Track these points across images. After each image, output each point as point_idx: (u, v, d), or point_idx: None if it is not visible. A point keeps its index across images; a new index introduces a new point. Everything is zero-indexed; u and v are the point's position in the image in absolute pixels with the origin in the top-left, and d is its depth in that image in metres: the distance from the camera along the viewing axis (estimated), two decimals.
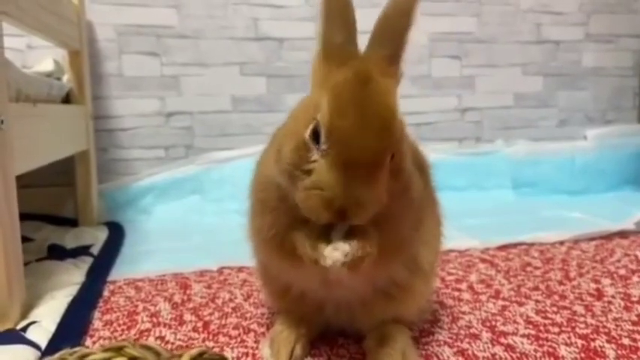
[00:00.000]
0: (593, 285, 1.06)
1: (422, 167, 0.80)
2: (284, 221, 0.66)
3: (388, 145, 0.60)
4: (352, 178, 0.57)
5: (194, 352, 0.47)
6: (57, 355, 0.50)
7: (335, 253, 0.59)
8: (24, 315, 0.90)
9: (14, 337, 0.80)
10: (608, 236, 1.43)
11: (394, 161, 0.62)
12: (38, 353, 0.77)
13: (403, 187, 0.65)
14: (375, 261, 0.62)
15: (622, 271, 1.14)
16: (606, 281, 1.08)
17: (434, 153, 1.85)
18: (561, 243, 1.38)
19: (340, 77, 0.61)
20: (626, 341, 0.80)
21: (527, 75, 2.11)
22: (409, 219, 0.68)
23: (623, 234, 1.44)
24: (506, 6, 2.05)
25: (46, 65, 1.42)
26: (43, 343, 0.80)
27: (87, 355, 0.49)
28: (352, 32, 0.65)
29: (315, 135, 0.60)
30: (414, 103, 1.99)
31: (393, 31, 0.65)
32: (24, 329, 0.84)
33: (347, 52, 0.64)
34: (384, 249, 0.64)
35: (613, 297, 0.99)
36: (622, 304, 0.95)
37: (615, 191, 2.06)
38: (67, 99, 1.52)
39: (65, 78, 1.52)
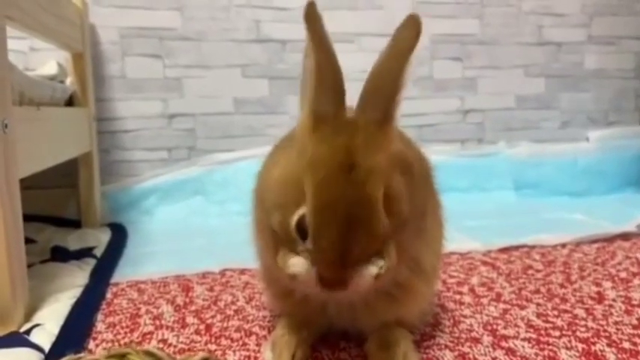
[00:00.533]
0: (594, 288, 1.06)
1: (424, 170, 0.80)
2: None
3: (373, 243, 0.60)
4: (337, 278, 0.60)
5: (197, 358, 0.48)
6: None
7: (364, 279, 0.61)
8: (27, 317, 0.91)
9: (18, 340, 0.81)
10: (610, 238, 1.43)
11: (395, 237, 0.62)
12: (42, 356, 0.77)
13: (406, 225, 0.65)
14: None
15: (623, 274, 1.14)
16: (607, 284, 1.08)
17: (436, 154, 1.86)
18: (563, 245, 1.38)
19: (325, 159, 0.60)
20: (626, 345, 0.80)
21: (529, 77, 2.11)
22: (407, 228, 0.68)
23: (624, 236, 1.44)
24: (508, 8, 2.05)
25: (50, 68, 1.43)
26: (46, 346, 0.80)
27: None
28: (342, 102, 0.63)
29: (300, 228, 0.61)
30: (415, 104, 1.99)
31: (383, 94, 0.63)
32: (27, 332, 0.84)
33: (336, 122, 0.62)
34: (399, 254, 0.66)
35: (614, 300, 0.99)
36: (623, 307, 0.95)
37: (617, 193, 2.06)
38: (70, 101, 1.53)
39: (68, 81, 1.53)
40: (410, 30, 0.66)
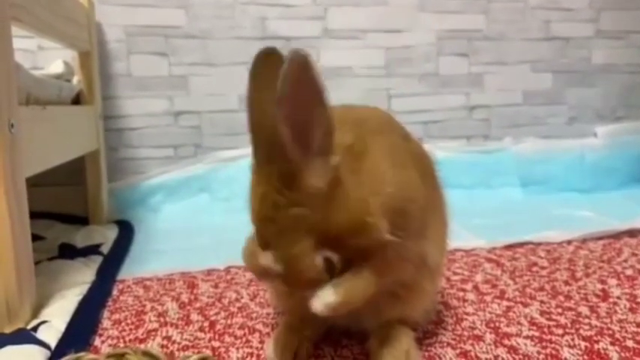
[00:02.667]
0: (599, 285, 1.06)
1: (426, 166, 0.81)
2: None
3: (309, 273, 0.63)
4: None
5: (195, 358, 0.49)
6: None
7: (319, 303, 0.63)
8: (34, 314, 0.92)
9: (25, 336, 0.82)
10: (617, 235, 1.42)
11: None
12: (48, 353, 0.79)
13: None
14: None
15: (629, 272, 1.14)
16: (612, 282, 1.08)
17: (441, 151, 1.87)
18: (569, 242, 1.37)
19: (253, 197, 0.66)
20: (630, 343, 0.80)
21: (536, 72, 2.10)
22: (409, 229, 0.68)
23: (631, 233, 1.43)
24: (515, 3, 2.04)
25: (56, 67, 1.44)
26: (52, 343, 0.81)
27: None
28: (260, 155, 0.65)
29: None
30: (421, 101, 1.99)
31: (272, 151, 0.62)
32: (34, 329, 0.86)
33: (258, 180, 0.65)
34: (384, 270, 0.67)
35: (619, 298, 0.99)
36: (627, 305, 0.95)
37: (625, 189, 2.04)
38: (77, 100, 1.54)
39: (75, 79, 1.54)
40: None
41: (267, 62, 0.65)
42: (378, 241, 0.64)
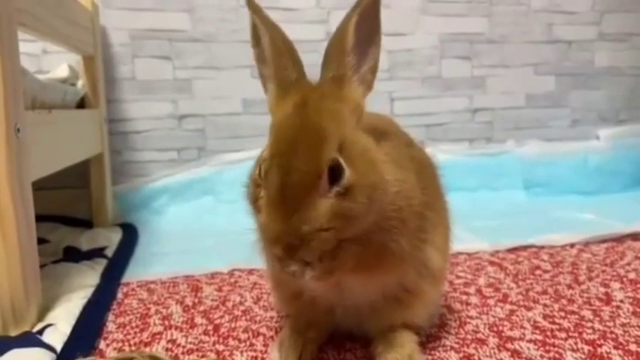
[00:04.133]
0: (602, 289, 1.06)
1: (428, 172, 0.81)
2: None
3: (315, 166, 0.59)
4: (286, 210, 0.58)
5: None
6: None
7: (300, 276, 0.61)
8: (40, 317, 0.93)
9: (31, 340, 0.82)
10: (620, 238, 1.42)
11: (338, 179, 0.60)
12: (54, 356, 0.79)
13: (373, 203, 0.62)
14: (367, 271, 0.67)
15: (632, 275, 1.14)
16: (615, 285, 1.08)
17: (444, 154, 1.88)
18: (572, 245, 1.37)
19: (285, 109, 0.65)
20: (633, 347, 0.80)
21: (539, 75, 2.10)
22: (404, 228, 0.68)
23: (634, 236, 1.43)
24: (518, 6, 2.04)
25: (61, 71, 1.45)
26: (58, 346, 0.82)
27: None
28: (301, 68, 0.69)
29: (261, 171, 0.64)
30: (424, 103, 1.99)
31: (335, 53, 0.67)
32: (40, 332, 0.86)
33: (296, 84, 0.68)
34: (370, 261, 0.66)
35: (622, 301, 0.99)
36: (630, 309, 0.95)
37: (629, 191, 2.05)
38: (81, 103, 1.55)
39: (80, 83, 1.55)
40: None
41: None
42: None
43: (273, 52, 0.68)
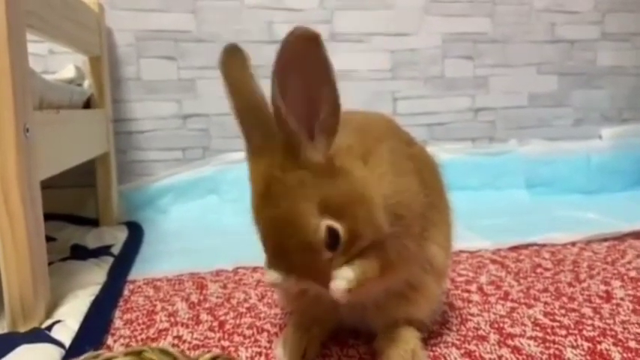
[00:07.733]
0: (602, 287, 1.07)
1: (430, 171, 0.82)
2: None
3: (309, 245, 0.61)
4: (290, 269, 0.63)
5: (207, 356, 0.50)
6: (81, 358, 0.54)
7: (340, 282, 0.62)
8: (48, 314, 0.95)
9: (40, 335, 0.84)
10: (621, 237, 1.43)
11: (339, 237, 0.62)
12: (63, 352, 0.81)
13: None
14: (380, 276, 0.67)
15: (632, 273, 1.15)
16: (616, 283, 1.09)
17: (447, 153, 1.89)
18: (573, 244, 1.38)
19: (253, 184, 0.65)
20: (632, 344, 0.81)
21: (542, 74, 2.11)
22: (408, 232, 0.70)
23: (636, 235, 1.44)
24: (520, 6, 2.05)
25: (68, 72, 1.47)
26: (67, 342, 0.84)
27: (110, 358, 0.52)
28: (267, 129, 0.64)
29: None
30: (427, 103, 2.00)
31: (280, 119, 0.61)
32: (49, 328, 0.88)
33: (262, 155, 0.65)
34: (385, 267, 0.68)
35: (622, 299, 1.00)
36: (630, 306, 0.96)
37: (631, 191, 2.05)
38: (87, 104, 1.57)
39: (86, 83, 1.57)
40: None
41: (234, 55, 0.70)
42: (376, 223, 0.65)
43: (237, 118, 0.67)
